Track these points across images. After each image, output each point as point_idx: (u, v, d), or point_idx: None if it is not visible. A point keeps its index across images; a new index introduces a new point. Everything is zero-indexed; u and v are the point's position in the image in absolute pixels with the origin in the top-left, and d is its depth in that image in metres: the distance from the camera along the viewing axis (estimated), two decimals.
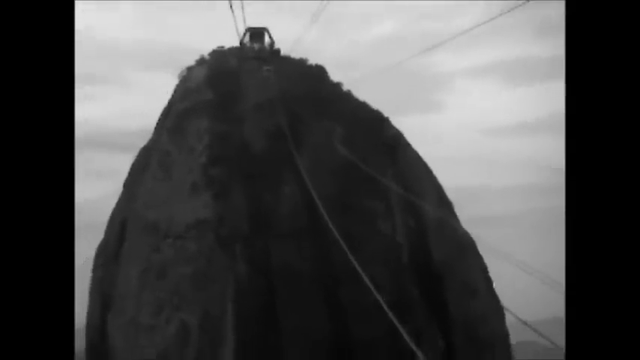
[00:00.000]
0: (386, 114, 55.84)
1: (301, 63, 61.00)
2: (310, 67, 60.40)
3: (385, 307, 26.31)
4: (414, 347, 24.69)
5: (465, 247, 48.87)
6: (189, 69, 58.39)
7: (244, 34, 63.28)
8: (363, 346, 41.83)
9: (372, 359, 41.66)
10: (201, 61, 59.28)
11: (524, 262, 35.68)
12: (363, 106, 56.27)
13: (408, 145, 54.08)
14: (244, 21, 66.92)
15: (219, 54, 61.04)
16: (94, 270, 51.27)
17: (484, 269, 49.34)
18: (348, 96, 57.28)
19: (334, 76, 59.82)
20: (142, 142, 55.36)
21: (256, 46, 63.09)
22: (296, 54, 63.16)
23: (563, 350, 15.57)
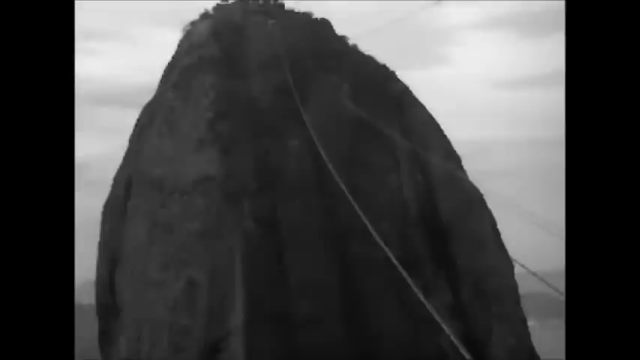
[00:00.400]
0: (392, 68, 55.38)
1: (306, 17, 60.07)
2: (315, 20, 59.52)
3: (394, 261, 26.31)
4: (423, 299, 24.73)
5: (473, 201, 48.77)
6: (194, 23, 57.39)
7: None
8: (371, 300, 42.05)
9: (381, 313, 41.92)
10: (205, 16, 58.24)
11: (533, 212, 35.58)
12: (370, 61, 55.65)
13: (414, 99, 53.66)
14: None
15: (223, 8, 60.09)
16: (102, 226, 51.47)
17: (492, 222, 49.27)
18: (353, 50, 56.61)
19: (339, 29, 59.07)
20: (147, 98, 55.01)
21: None
22: (300, 8, 62.22)
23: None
